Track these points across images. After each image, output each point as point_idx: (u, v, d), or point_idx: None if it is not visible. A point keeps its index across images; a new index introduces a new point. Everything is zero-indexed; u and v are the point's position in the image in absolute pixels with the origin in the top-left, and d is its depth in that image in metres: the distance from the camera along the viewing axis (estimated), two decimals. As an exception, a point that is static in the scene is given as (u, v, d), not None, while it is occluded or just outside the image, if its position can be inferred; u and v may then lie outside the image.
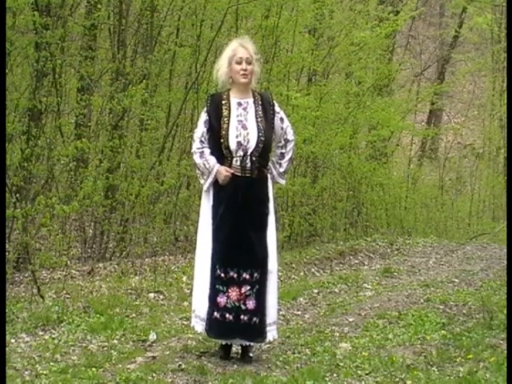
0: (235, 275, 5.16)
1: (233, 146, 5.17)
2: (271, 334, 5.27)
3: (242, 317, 5.14)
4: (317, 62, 11.97)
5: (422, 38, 23.03)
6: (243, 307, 5.15)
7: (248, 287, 5.16)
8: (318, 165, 12.53)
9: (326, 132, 11.88)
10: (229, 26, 10.38)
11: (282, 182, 5.54)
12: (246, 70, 5.20)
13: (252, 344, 5.28)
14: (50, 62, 8.17)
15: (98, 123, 9.82)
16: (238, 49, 5.24)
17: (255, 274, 5.17)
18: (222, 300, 5.16)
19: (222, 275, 5.16)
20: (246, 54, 5.23)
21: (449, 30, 22.64)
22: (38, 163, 8.11)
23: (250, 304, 5.16)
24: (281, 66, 11.04)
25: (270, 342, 5.54)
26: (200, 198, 5.49)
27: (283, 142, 5.41)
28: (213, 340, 5.37)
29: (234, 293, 5.15)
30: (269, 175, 5.33)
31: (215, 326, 5.17)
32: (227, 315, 5.14)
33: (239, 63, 5.20)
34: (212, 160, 5.22)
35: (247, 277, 5.16)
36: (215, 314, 5.16)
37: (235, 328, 5.15)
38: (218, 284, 5.17)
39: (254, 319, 5.16)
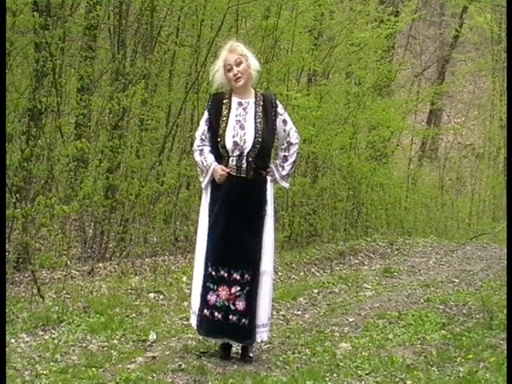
0: (225, 274, 5.15)
1: (229, 145, 5.17)
2: (260, 335, 5.23)
3: (230, 317, 5.13)
4: (317, 62, 11.97)
5: (422, 38, 22.99)
6: (232, 307, 5.14)
7: (238, 288, 5.14)
8: (317, 165, 12.53)
9: (326, 132, 11.87)
10: (229, 26, 10.39)
11: (285, 185, 5.48)
12: (236, 73, 5.20)
13: (241, 345, 5.25)
14: (49, 62, 8.17)
15: (97, 123, 9.83)
16: (227, 56, 5.24)
17: (246, 275, 5.15)
18: (212, 298, 5.16)
19: (213, 273, 5.16)
20: (234, 57, 5.21)
21: (449, 30, 22.63)
22: (38, 163, 8.11)
23: (240, 305, 5.14)
24: (281, 66, 11.03)
25: (269, 342, 5.55)
26: (200, 198, 5.50)
27: (286, 145, 5.39)
28: (203, 337, 5.37)
29: (223, 292, 5.15)
30: (269, 177, 5.30)
31: (205, 324, 5.19)
32: (216, 314, 5.14)
33: (230, 70, 5.21)
34: (210, 158, 5.24)
35: (238, 277, 5.14)
36: (205, 311, 5.17)
37: (224, 327, 5.14)
38: (208, 282, 5.17)
39: (243, 320, 5.14)
